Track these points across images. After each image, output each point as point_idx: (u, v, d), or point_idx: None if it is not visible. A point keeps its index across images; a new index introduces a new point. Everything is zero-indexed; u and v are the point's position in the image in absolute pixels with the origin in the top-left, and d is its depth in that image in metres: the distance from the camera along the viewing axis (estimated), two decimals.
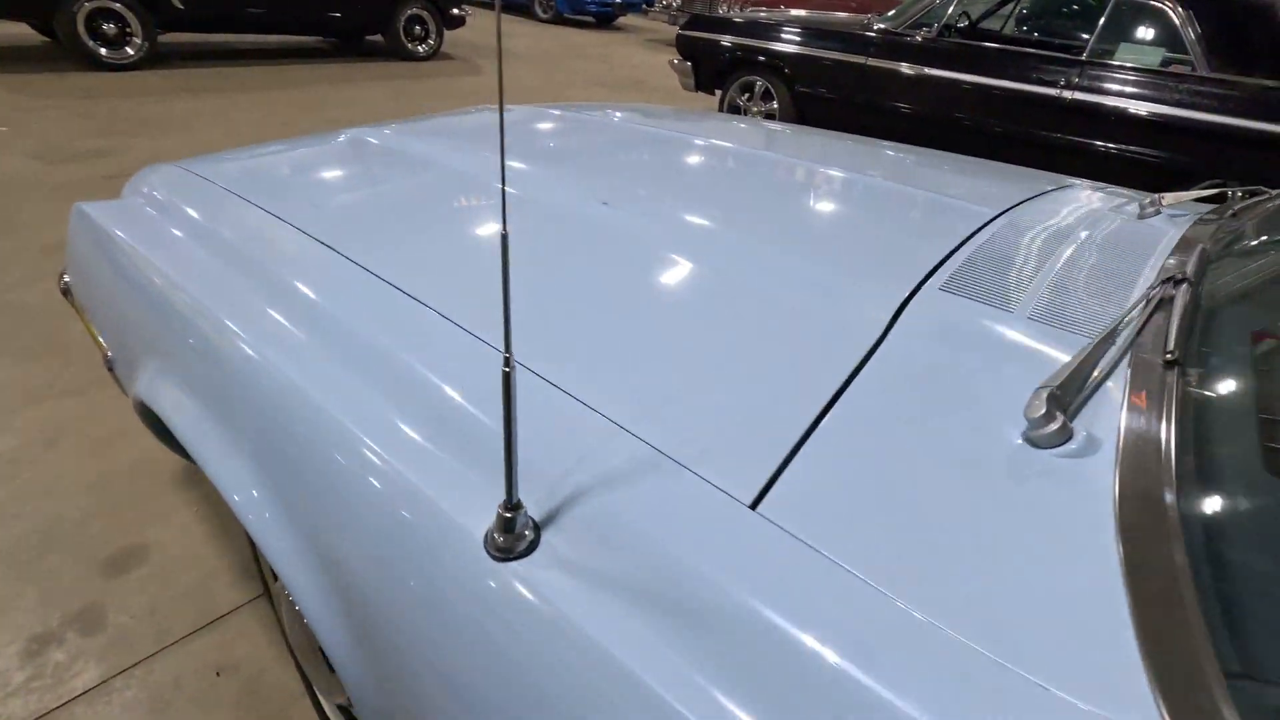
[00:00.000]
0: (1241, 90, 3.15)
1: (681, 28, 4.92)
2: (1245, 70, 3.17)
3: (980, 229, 1.05)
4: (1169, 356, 0.68)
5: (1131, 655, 0.43)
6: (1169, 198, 1.21)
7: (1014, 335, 0.77)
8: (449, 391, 0.67)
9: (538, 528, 0.54)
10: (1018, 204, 1.19)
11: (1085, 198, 1.29)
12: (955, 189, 1.27)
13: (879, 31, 4.09)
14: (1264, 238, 1.01)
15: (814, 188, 1.24)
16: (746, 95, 4.80)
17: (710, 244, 0.97)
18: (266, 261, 0.91)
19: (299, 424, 0.70)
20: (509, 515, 0.52)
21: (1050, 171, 1.61)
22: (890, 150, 1.60)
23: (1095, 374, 0.68)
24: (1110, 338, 0.71)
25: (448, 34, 8.04)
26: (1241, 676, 0.40)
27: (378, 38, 6.81)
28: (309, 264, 0.90)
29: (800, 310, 0.82)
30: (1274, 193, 1.27)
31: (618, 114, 1.75)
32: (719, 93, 4.99)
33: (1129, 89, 3.37)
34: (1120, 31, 3.45)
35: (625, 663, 0.46)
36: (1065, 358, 0.71)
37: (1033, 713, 0.40)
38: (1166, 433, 0.59)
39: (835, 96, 4.29)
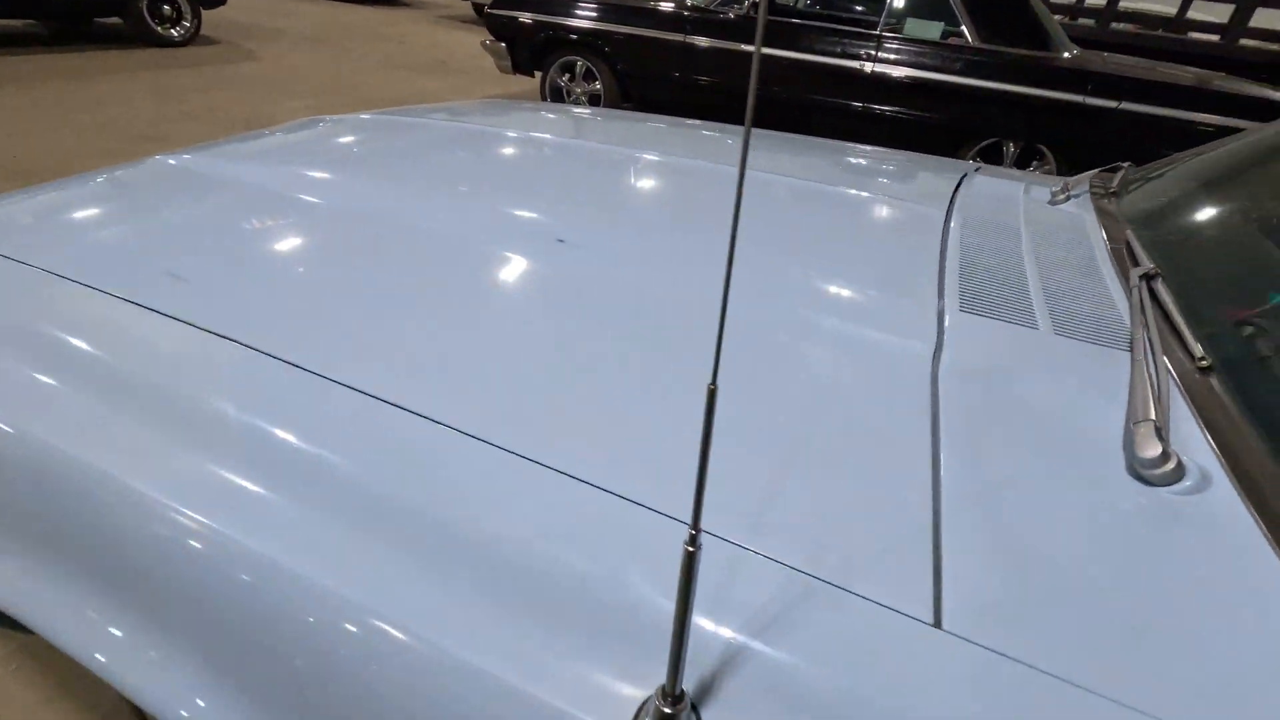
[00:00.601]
0: (1005, 59, 3.60)
1: (490, 6, 4.65)
2: (1010, 41, 3.63)
3: (945, 233, 1.04)
4: (1203, 364, 0.70)
5: None
6: (1071, 183, 1.29)
7: (1056, 355, 0.77)
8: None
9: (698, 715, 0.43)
10: (955, 198, 1.20)
11: (996, 187, 1.32)
12: (881, 185, 1.26)
13: (693, 8, 4.15)
14: (1171, 215, 1.12)
15: (761, 197, 1.16)
16: (568, 76, 4.67)
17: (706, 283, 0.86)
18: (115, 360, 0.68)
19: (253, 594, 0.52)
20: (669, 711, 0.40)
21: (859, 139, 1.70)
22: (768, 143, 1.57)
23: (1160, 395, 0.67)
24: (1136, 349, 0.72)
25: (206, 14, 6.91)
26: None
27: (115, 20, 5.71)
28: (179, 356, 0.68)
29: (841, 355, 0.75)
30: (1149, 166, 1.37)
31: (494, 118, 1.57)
32: (539, 75, 4.80)
33: (917, 60, 3.73)
34: (906, 7, 3.81)
35: None
36: (1108, 373, 0.72)
37: None
38: (1253, 443, 0.61)
39: (658, 74, 4.30)
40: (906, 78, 3.74)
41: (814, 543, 0.52)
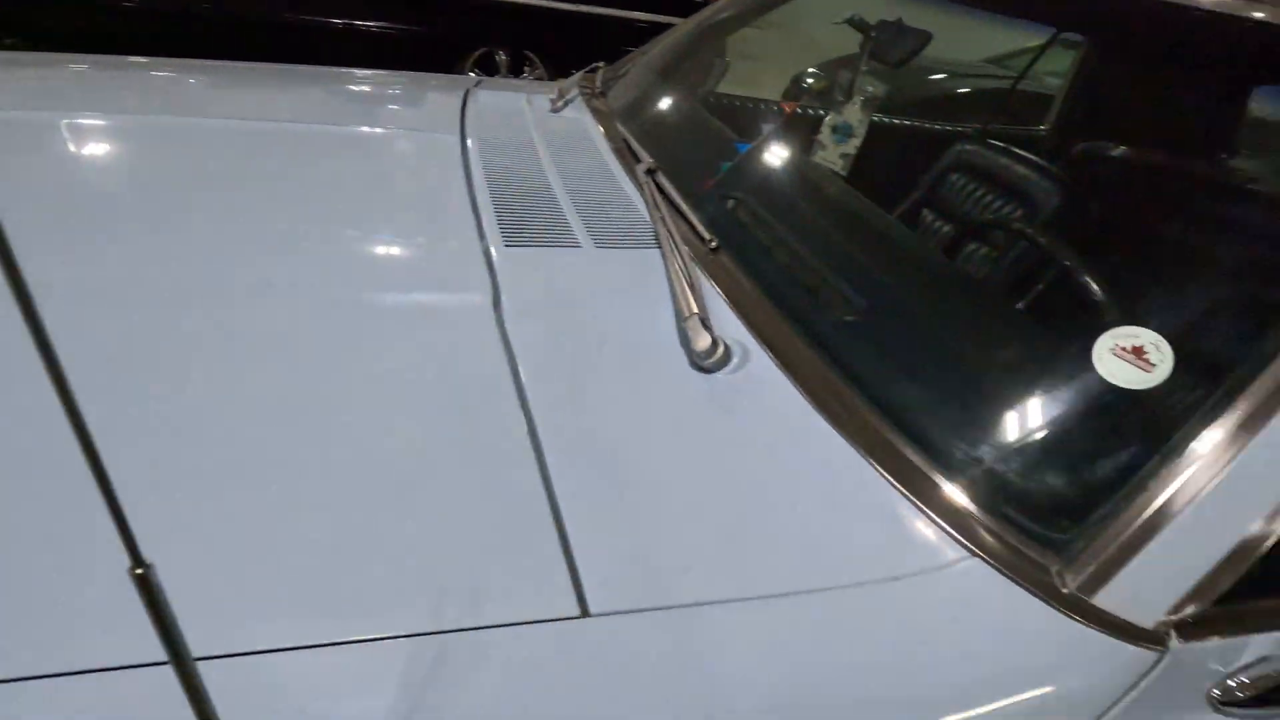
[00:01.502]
0: None
1: None
2: None
3: (467, 161, 0.99)
4: (712, 246, 0.82)
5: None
6: (564, 88, 1.30)
7: (605, 271, 0.81)
8: None
9: None
10: (465, 120, 1.13)
11: (500, 101, 1.29)
12: (384, 115, 1.17)
13: None
14: (647, 107, 1.27)
15: (247, 153, 0.95)
16: None
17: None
18: None
19: None
20: None
21: (346, 64, 1.46)
22: (231, 79, 1.27)
23: (694, 286, 0.74)
24: (664, 246, 0.80)
25: None
26: None
27: None
28: None
29: (396, 336, 0.68)
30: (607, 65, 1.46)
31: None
32: None
33: None
34: None
35: None
36: (653, 276, 0.78)
37: None
38: (766, 308, 0.73)
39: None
40: None
41: (430, 593, 0.45)
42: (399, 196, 0.93)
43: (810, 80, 1.55)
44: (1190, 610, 0.50)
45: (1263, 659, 0.52)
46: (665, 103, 1.31)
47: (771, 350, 0.69)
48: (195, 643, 0.28)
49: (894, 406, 0.63)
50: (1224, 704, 0.52)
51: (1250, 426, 0.50)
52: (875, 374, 0.68)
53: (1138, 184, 1.08)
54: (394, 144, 1.09)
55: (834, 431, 0.61)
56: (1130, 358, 0.57)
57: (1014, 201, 1.11)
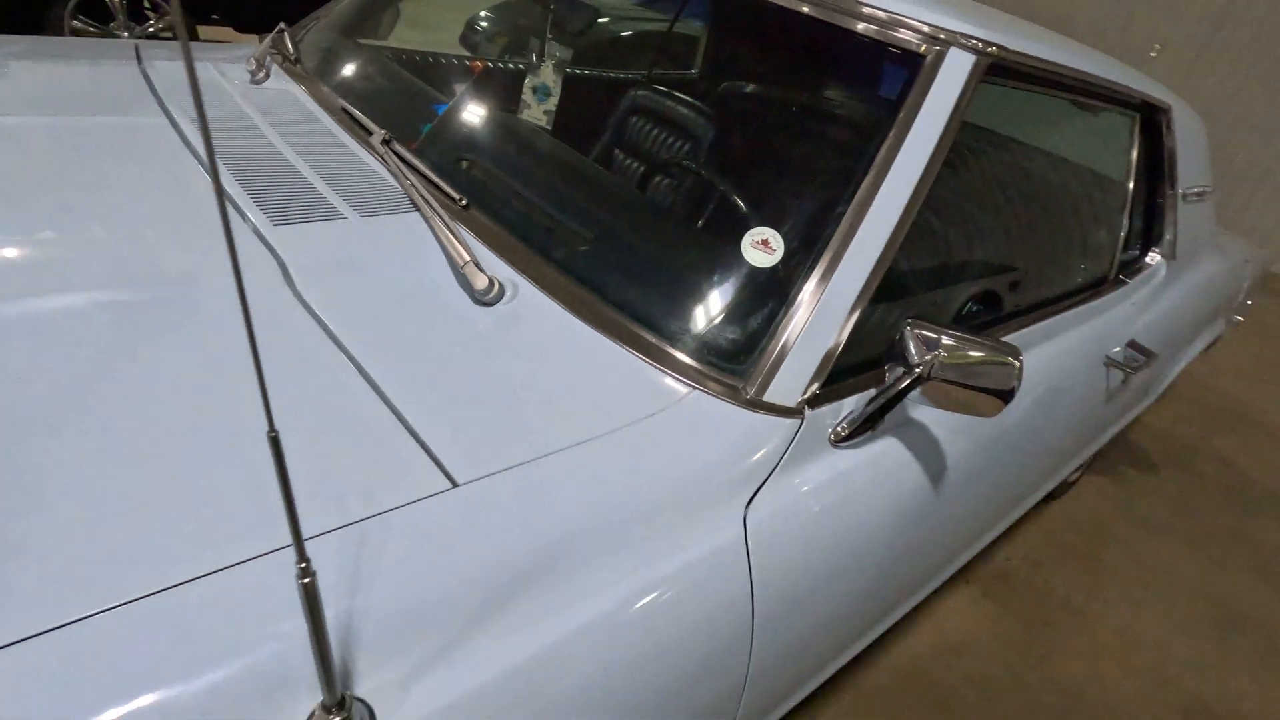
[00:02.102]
0: None
1: None
2: None
3: (189, 145, 1.01)
4: (463, 204, 1.01)
5: None
6: (258, 58, 1.31)
7: (376, 236, 0.93)
8: None
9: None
10: (160, 98, 1.12)
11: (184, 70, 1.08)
12: (52, 99, 1.04)
13: None
14: (357, 75, 1.35)
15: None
16: None
17: None
18: None
19: None
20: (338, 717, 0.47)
21: None
22: None
23: (459, 238, 0.91)
24: (422, 209, 0.96)
25: None
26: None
27: None
28: None
29: (208, 325, 0.73)
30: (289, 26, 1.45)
31: None
32: None
33: None
34: None
35: None
36: (417, 232, 0.95)
37: None
38: (521, 246, 0.95)
39: None
40: None
41: (330, 499, 0.59)
42: (135, 192, 0.90)
43: (484, 24, 1.70)
44: (813, 390, 0.84)
45: (852, 411, 0.89)
46: (369, 67, 1.37)
47: (533, 279, 0.92)
48: None
49: (626, 303, 0.90)
50: (837, 442, 0.88)
51: (825, 278, 0.85)
52: (609, 283, 0.93)
53: (763, 116, 1.44)
54: (97, 133, 0.99)
55: (589, 328, 0.86)
56: (761, 248, 0.89)
57: (681, 138, 1.42)
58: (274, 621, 0.50)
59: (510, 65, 1.61)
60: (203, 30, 4.17)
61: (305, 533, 0.48)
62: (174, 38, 3.50)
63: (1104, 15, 6.03)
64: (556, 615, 0.61)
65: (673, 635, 0.67)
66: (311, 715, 0.47)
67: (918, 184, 0.89)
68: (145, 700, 0.45)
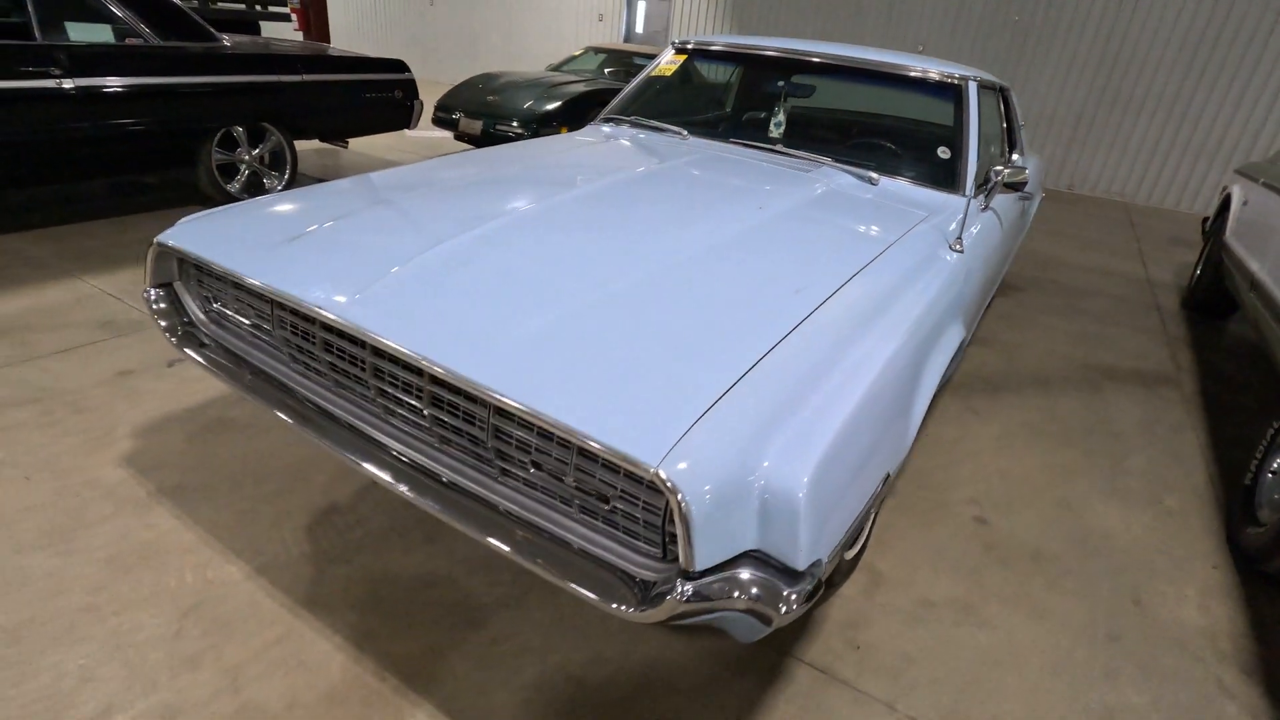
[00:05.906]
0: (188, 53, 3.45)
1: None
2: (186, 38, 3.54)
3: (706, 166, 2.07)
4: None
5: None
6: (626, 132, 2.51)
7: (774, 176, 2.01)
8: None
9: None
10: (659, 153, 2.19)
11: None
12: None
13: None
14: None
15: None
16: None
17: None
18: None
19: None
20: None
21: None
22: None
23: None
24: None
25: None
26: None
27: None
28: None
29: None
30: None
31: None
32: None
33: (122, 68, 3.21)
34: (57, 11, 3.12)
35: None
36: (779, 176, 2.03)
37: None
38: None
39: None
40: (125, 87, 3.21)
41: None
42: (739, 173, 2.01)
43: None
44: None
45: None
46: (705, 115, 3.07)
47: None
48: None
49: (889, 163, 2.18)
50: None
51: None
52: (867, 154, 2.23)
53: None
54: (678, 167, 2.02)
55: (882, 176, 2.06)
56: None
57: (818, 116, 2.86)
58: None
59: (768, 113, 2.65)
60: (299, 143, 5.52)
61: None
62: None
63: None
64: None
65: None
66: None
67: None
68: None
